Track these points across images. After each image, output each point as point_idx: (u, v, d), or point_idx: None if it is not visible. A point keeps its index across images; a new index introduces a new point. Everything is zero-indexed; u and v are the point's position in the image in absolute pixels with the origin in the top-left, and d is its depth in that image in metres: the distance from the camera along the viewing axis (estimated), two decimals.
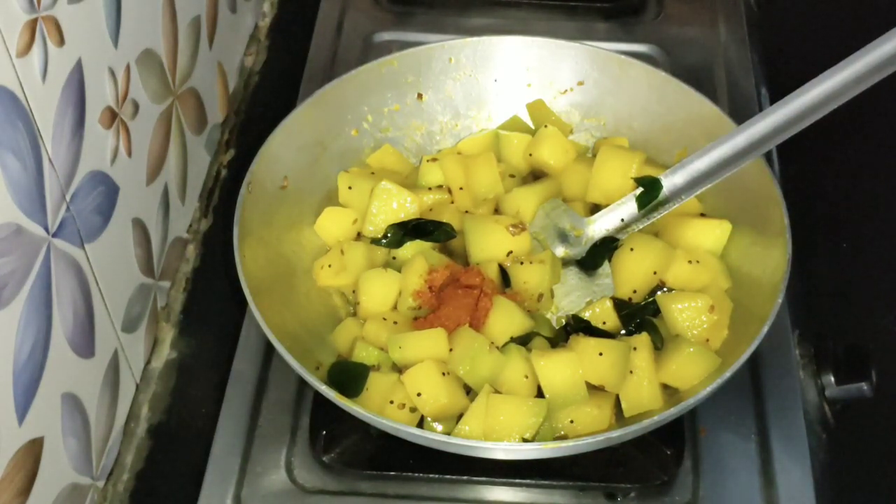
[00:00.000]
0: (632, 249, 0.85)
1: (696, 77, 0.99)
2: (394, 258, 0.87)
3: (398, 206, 0.87)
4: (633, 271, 0.84)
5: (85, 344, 0.73)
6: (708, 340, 0.79)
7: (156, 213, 0.87)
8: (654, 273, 0.84)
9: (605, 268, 0.88)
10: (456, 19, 1.16)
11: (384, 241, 0.87)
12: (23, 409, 0.64)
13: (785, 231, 0.78)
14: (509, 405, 0.74)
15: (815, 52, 0.99)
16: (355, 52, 1.12)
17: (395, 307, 0.83)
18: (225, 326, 0.90)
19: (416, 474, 0.78)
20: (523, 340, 0.80)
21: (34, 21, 0.62)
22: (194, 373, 0.89)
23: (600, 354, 0.76)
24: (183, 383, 0.88)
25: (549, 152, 0.91)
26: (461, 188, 0.90)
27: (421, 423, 0.76)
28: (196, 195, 0.98)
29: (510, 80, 0.97)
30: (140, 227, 0.83)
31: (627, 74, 0.93)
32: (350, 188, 0.89)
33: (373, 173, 0.92)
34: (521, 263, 0.84)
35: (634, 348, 0.77)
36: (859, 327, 0.85)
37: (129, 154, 0.79)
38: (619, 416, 0.77)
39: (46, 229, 0.66)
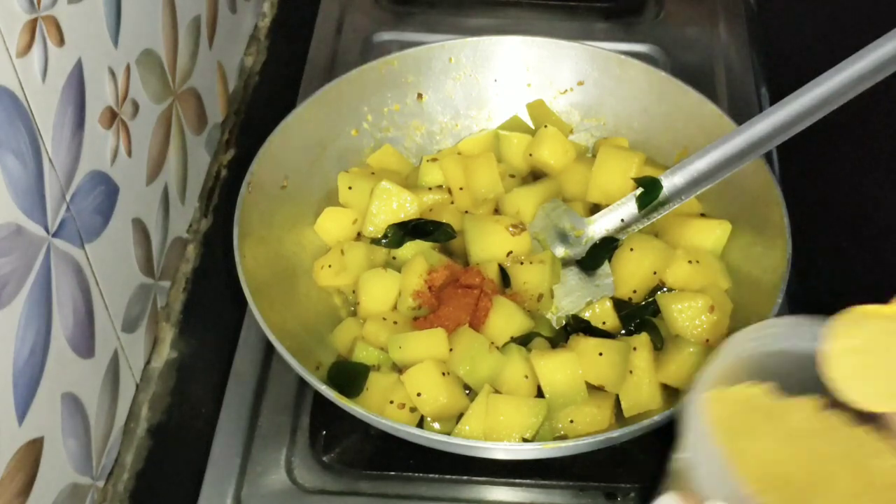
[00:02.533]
0: (632, 249, 0.85)
1: (696, 77, 0.99)
2: (394, 258, 0.87)
3: (398, 206, 0.87)
4: (633, 271, 0.84)
5: (85, 344, 0.73)
6: (708, 340, 0.79)
7: (156, 213, 0.87)
8: (654, 273, 0.84)
9: (605, 268, 0.88)
10: (456, 19, 1.16)
11: (384, 241, 0.87)
12: (23, 409, 0.64)
13: (785, 231, 0.78)
14: (509, 405, 0.74)
15: (815, 52, 0.99)
16: (355, 52, 1.12)
17: (395, 307, 0.83)
18: (225, 326, 0.90)
19: (416, 474, 0.78)
20: (523, 340, 0.80)
21: (34, 21, 0.62)
22: (194, 373, 0.89)
23: (600, 354, 0.76)
24: (183, 383, 0.88)
25: (549, 152, 0.91)
26: (461, 188, 0.90)
27: (421, 423, 0.76)
28: (196, 195, 0.98)
29: (510, 80, 0.97)
30: (140, 227, 0.83)
31: (627, 74, 0.93)
32: (350, 188, 0.89)
33: (373, 173, 0.92)
34: (521, 263, 0.84)
35: (634, 348, 0.77)
36: None
37: (129, 154, 0.79)
38: (619, 416, 0.77)
39: (46, 229, 0.66)
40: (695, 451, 0.51)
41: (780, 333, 0.55)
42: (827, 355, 0.52)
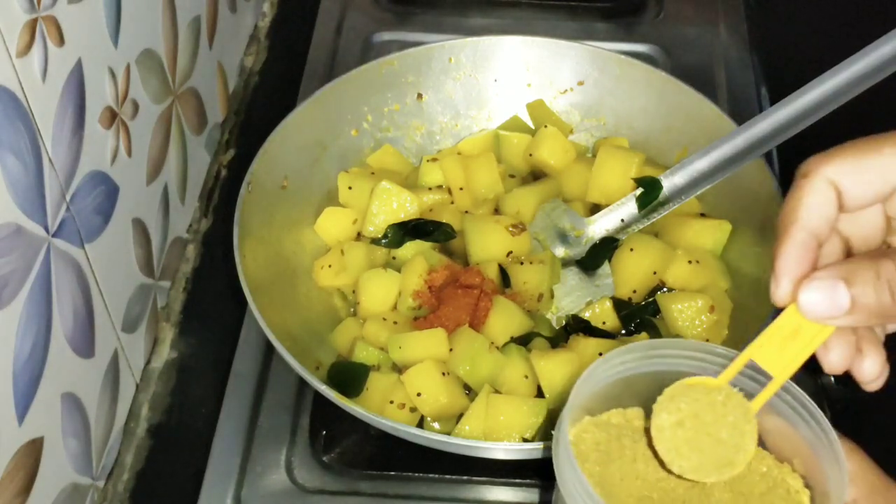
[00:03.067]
0: (632, 249, 0.85)
1: (696, 77, 0.99)
2: (394, 258, 0.87)
3: (398, 206, 0.87)
4: (632, 271, 0.84)
5: (85, 344, 0.73)
6: (708, 340, 0.79)
7: (156, 213, 0.87)
8: (654, 273, 0.84)
9: (605, 268, 0.88)
10: (456, 19, 1.16)
11: (384, 241, 0.87)
12: (23, 409, 0.64)
13: None
14: (509, 405, 0.74)
15: (815, 52, 0.99)
16: (355, 52, 1.12)
17: (395, 307, 0.83)
18: (225, 326, 0.90)
19: (416, 474, 0.78)
20: (523, 340, 0.80)
21: (34, 21, 0.62)
22: (194, 373, 0.89)
23: (600, 354, 0.76)
24: (183, 383, 0.88)
25: (549, 152, 0.91)
26: (461, 188, 0.90)
27: (421, 423, 0.76)
28: (196, 195, 0.98)
29: (510, 80, 0.97)
30: (140, 227, 0.83)
31: (627, 74, 0.93)
32: (350, 188, 0.89)
33: (373, 173, 0.92)
34: (521, 263, 0.84)
35: None
36: None
37: (129, 154, 0.79)
38: None
39: (46, 229, 0.66)
40: (564, 481, 0.52)
41: (635, 358, 0.55)
42: (654, 429, 0.52)
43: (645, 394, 0.55)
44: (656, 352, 0.55)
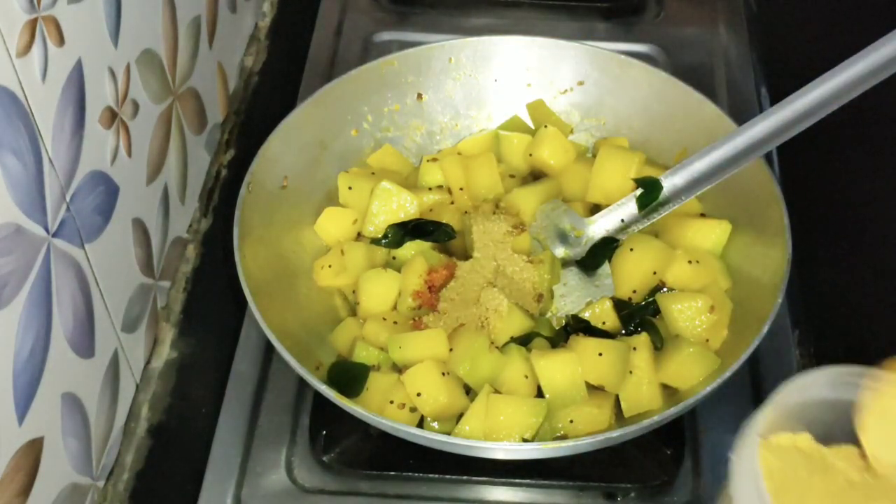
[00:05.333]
0: (632, 249, 0.85)
1: (696, 77, 0.99)
2: (394, 258, 0.87)
3: (398, 206, 0.87)
4: (632, 271, 0.84)
5: (85, 344, 0.73)
6: (708, 340, 0.79)
7: (156, 213, 0.87)
8: (654, 273, 0.84)
9: (605, 268, 0.88)
10: (456, 19, 1.16)
11: (384, 241, 0.87)
12: (23, 409, 0.64)
13: (785, 231, 0.78)
14: (509, 405, 0.74)
15: (815, 53, 0.99)
16: (355, 52, 1.12)
17: (395, 307, 0.83)
18: (225, 326, 0.90)
19: (416, 474, 0.78)
20: (523, 340, 0.80)
21: (34, 21, 0.62)
22: (194, 373, 0.89)
23: (600, 354, 0.76)
24: (183, 383, 0.88)
25: (549, 152, 0.91)
26: (461, 188, 0.90)
27: (421, 423, 0.76)
28: (196, 195, 0.98)
29: (510, 80, 0.97)
30: (140, 227, 0.83)
31: (627, 74, 0.93)
32: (350, 188, 0.89)
33: (373, 173, 0.92)
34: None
35: (634, 348, 0.77)
36: (859, 327, 0.85)
37: (129, 154, 0.79)
38: (619, 416, 0.77)
39: (46, 229, 0.66)
40: (745, 497, 0.52)
41: (823, 383, 0.56)
42: (861, 417, 0.52)
43: (819, 419, 0.56)
44: (841, 378, 0.56)
